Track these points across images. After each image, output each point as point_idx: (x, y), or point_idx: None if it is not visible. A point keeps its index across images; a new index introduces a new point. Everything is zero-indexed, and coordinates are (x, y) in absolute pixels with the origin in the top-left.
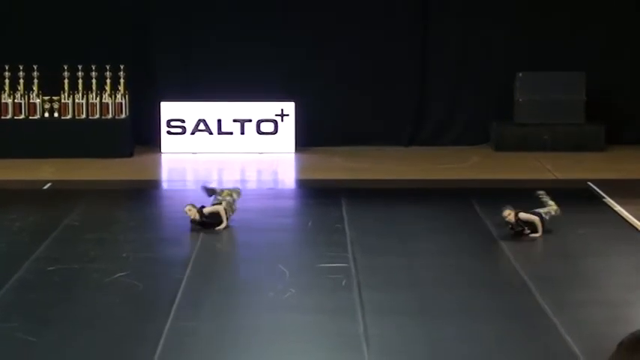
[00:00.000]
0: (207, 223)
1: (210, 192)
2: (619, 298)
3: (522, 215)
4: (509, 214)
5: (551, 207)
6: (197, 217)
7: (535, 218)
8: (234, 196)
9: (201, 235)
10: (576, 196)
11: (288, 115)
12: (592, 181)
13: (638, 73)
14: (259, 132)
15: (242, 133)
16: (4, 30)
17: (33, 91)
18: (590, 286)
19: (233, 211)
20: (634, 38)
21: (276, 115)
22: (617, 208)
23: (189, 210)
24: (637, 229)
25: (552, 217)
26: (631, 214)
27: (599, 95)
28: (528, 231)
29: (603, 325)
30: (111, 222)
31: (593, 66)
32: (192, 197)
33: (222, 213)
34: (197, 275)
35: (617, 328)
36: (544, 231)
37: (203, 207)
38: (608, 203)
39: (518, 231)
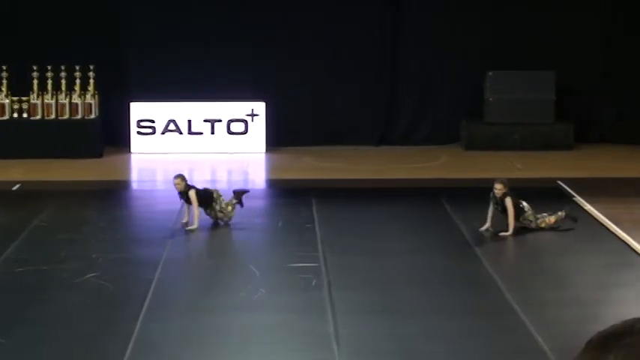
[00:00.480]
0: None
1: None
2: (588, 297)
3: (507, 200)
4: (500, 189)
5: (550, 216)
6: (184, 189)
7: (511, 210)
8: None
9: (172, 235)
10: (546, 195)
11: (258, 115)
12: (561, 179)
13: (606, 72)
14: (230, 132)
15: (212, 133)
16: None
17: (2, 91)
18: (559, 285)
19: (225, 215)
20: (602, 38)
21: (247, 115)
22: (587, 206)
23: (178, 184)
24: (606, 227)
25: (547, 225)
26: (600, 213)
27: (568, 94)
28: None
29: (573, 324)
30: (81, 223)
31: (562, 65)
32: (162, 197)
33: (194, 198)
34: (167, 276)
35: (587, 326)
36: (516, 229)
37: (194, 187)
38: (578, 202)
39: (496, 207)
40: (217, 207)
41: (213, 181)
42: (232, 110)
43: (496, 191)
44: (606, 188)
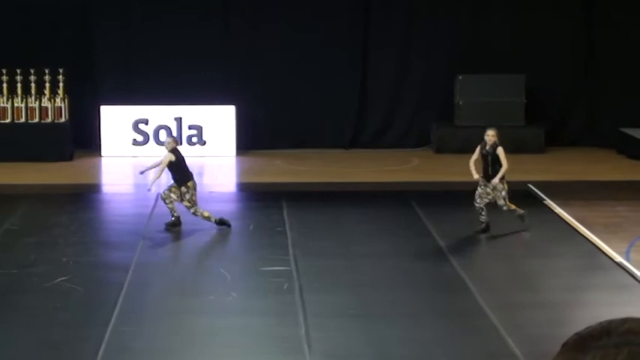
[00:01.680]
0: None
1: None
2: (559, 300)
3: (500, 150)
4: (492, 136)
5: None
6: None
7: (504, 160)
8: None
9: (143, 238)
10: (517, 198)
11: (228, 118)
12: (532, 182)
13: (577, 75)
14: (200, 135)
15: (182, 135)
16: None
17: None
18: (530, 288)
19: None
20: (574, 40)
21: (217, 118)
22: (557, 209)
23: (169, 143)
24: (577, 230)
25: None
26: (571, 216)
27: (539, 97)
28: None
29: (544, 327)
30: (51, 226)
31: (533, 68)
32: (133, 201)
33: (165, 161)
34: (138, 279)
35: (558, 329)
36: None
37: (178, 154)
38: (548, 205)
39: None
40: (187, 196)
41: None
42: (202, 113)
43: (488, 138)
44: (577, 191)
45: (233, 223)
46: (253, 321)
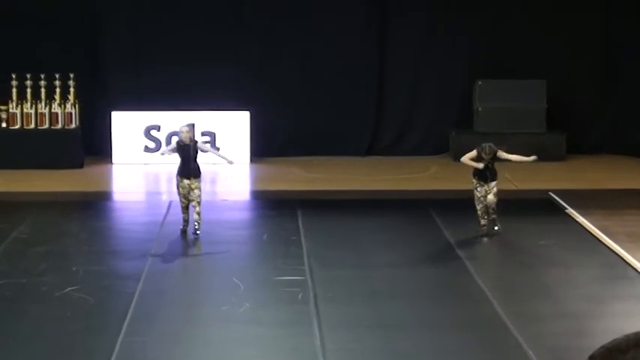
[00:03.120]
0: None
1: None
2: (581, 311)
3: (500, 152)
4: (489, 154)
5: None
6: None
7: (513, 156)
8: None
9: (154, 247)
10: (537, 207)
11: (242, 124)
12: (553, 191)
13: (600, 80)
14: (214, 142)
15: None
16: None
17: None
18: (551, 298)
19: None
20: (595, 46)
21: (231, 124)
22: (579, 218)
23: (187, 132)
24: (599, 240)
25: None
26: (593, 225)
27: (561, 103)
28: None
29: (566, 338)
30: (61, 234)
31: (555, 73)
32: (144, 209)
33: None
34: (149, 289)
35: (581, 341)
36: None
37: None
38: (570, 214)
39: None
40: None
41: None
42: (216, 119)
43: (486, 156)
44: (600, 200)
45: (247, 232)
46: (267, 332)
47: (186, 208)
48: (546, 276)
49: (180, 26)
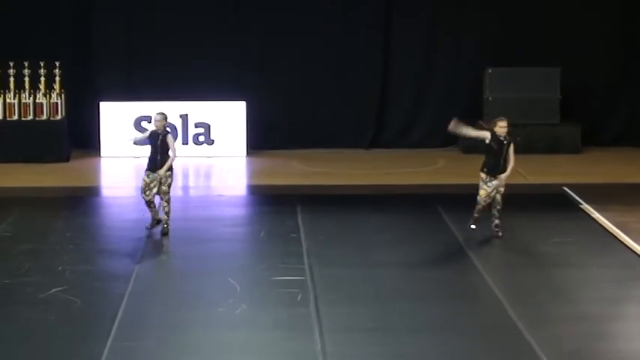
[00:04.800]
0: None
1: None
2: (598, 313)
3: (512, 148)
4: (506, 127)
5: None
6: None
7: (513, 158)
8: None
9: (145, 246)
10: (550, 202)
11: (238, 115)
12: (568, 185)
13: (618, 69)
14: (208, 134)
15: (188, 134)
16: None
17: None
18: (565, 300)
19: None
20: (612, 33)
21: (226, 115)
22: (595, 214)
23: (159, 122)
24: (615, 237)
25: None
26: (609, 221)
27: (576, 93)
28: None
29: (581, 342)
30: (46, 232)
31: (569, 61)
32: (134, 205)
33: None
34: (140, 290)
35: (597, 344)
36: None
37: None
38: (585, 209)
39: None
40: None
41: (188, 187)
42: (210, 110)
43: (502, 130)
44: (617, 195)
45: (243, 230)
46: (264, 335)
47: (151, 203)
48: (560, 276)
49: (174, 14)
